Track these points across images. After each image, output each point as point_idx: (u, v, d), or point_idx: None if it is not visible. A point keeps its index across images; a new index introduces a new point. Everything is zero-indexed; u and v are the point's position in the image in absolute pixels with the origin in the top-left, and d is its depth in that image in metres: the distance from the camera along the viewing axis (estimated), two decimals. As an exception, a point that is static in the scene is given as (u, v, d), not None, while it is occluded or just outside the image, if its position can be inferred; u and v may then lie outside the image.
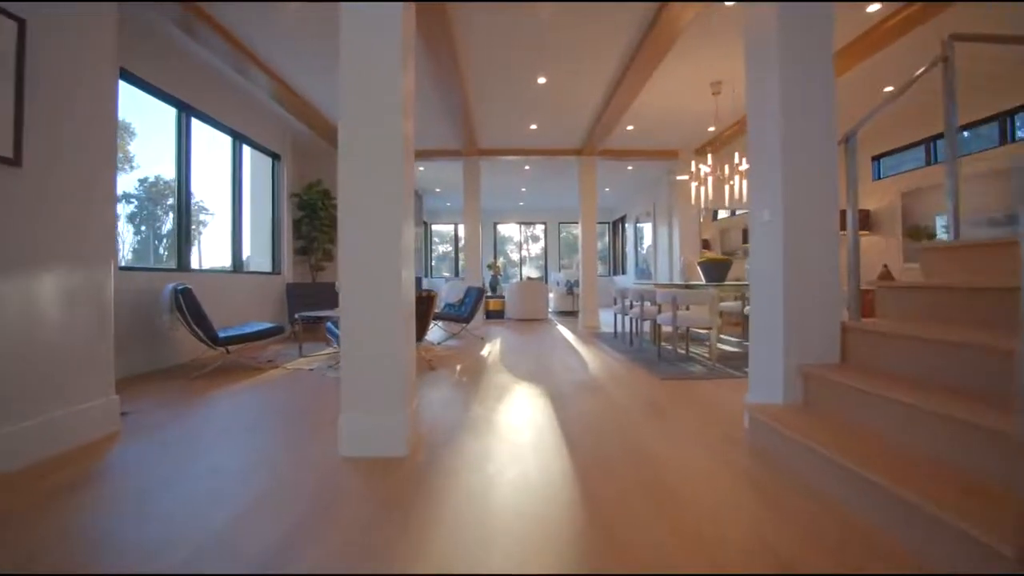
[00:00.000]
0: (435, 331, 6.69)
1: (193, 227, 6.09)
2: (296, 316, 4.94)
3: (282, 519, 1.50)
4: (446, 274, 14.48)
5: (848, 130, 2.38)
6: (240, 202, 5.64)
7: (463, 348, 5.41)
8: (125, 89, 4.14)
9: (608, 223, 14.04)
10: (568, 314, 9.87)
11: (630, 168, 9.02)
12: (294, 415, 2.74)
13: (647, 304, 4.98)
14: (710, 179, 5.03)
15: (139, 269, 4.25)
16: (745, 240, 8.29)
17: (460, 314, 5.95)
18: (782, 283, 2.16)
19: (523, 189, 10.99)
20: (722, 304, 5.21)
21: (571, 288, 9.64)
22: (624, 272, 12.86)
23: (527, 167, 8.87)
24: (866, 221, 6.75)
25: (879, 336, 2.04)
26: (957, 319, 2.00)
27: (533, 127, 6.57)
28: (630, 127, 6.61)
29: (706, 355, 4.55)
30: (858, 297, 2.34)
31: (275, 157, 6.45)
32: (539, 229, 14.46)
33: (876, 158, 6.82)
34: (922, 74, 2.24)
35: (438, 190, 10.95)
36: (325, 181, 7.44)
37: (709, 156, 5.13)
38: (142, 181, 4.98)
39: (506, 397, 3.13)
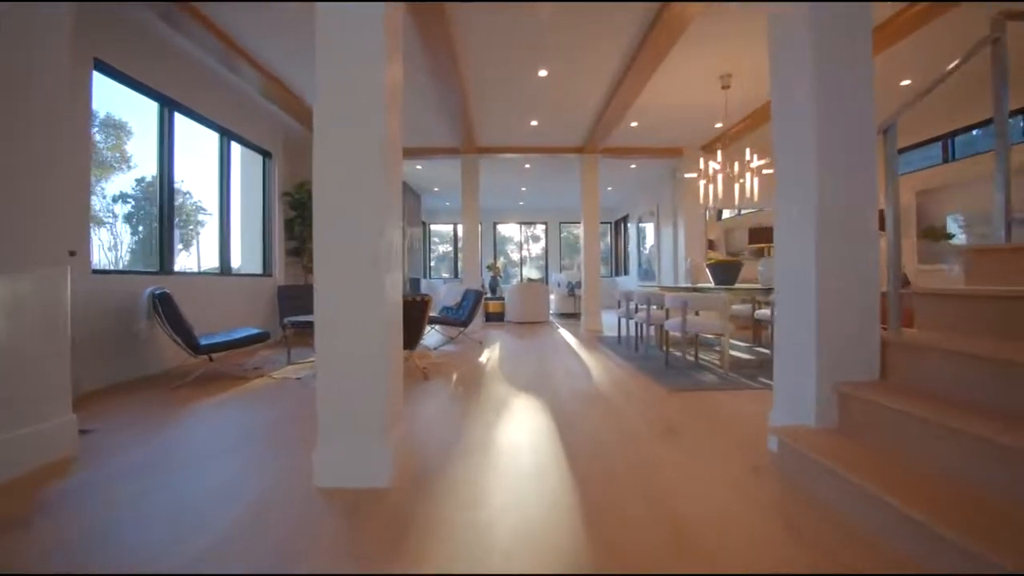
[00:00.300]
0: (432, 335, 6.46)
1: (190, 227, 5.91)
2: (285, 321, 4.71)
3: (235, 576, 1.26)
4: (445, 275, 14.25)
5: (886, 119, 2.14)
6: (228, 201, 5.41)
7: (460, 354, 5.17)
8: (118, 88, 3.92)
9: (610, 223, 13.79)
10: (569, 316, 9.64)
11: (633, 166, 8.78)
12: (272, 433, 2.50)
13: (654, 308, 4.74)
14: (720, 176, 4.78)
15: (116, 272, 4.01)
16: (752, 241, 8.05)
17: (458, 318, 5.71)
18: (815, 289, 1.92)
19: (523, 188, 10.75)
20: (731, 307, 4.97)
21: (572, 290, 9.40)
22: (626, 273, 12.62)
23: (527, 165, 8.63)
24: (879, 221, 6.49)
25: (926, 351, 1.80)
26: (1016, 332, 1.76)
27: (534, 124, 6.33)
28: (634, 123, 6.37)
29: (717, 362, 4.31)
30: (898, 305, 2.09)
31: (266, 155, 6.22)
32: (540, 229, 14.23)
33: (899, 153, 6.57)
34: (973, 52, 1.99)
35: (436, 189, 10.71)
36: (304, 176, 7.19)
37: (719, 152, 4.89)
38: (139, 181, 4.81)
39: (505, 413, 2.89)
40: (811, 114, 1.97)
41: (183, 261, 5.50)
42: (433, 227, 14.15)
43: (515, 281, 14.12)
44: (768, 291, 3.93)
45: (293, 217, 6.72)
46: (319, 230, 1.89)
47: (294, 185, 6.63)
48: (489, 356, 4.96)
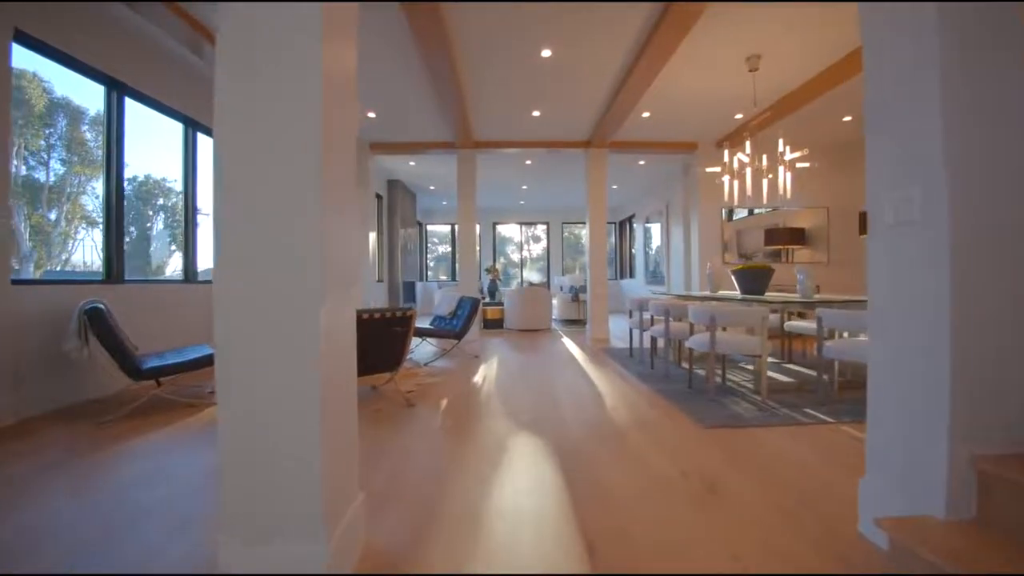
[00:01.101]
0: (425, 346, 5.88)
1: (178, 229, 5.33)
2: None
3: None
4: (443, 277, 13.68)
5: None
6: (194, 199, 4.83)
7: (453, 371, 4.59)
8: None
9: (614, 223, 13.21)
10: (573, 323, 9.05)
11: (642, 163, 8.20)
12: (196, 493, 1.92)
13: (673, 321, 4.16)
14: (748, 171, 4.20)
15: (45, 282, 3.44)
16: (768, 242, 7.43)
17: (451, 329, 5.13)
18: (948, 322, 1.34)
19: (524, 187, 10.18)
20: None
21: (576, 295, 8.82)
22: (631, 276, 12.04)
23: (528, 161, 8.06)
24: None
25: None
26: None
27: (536, 114, 5.75)
28: (646, 114, 5.79)
29: (749, 385, 3.73)
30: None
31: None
32: (540, 230, 13.64)
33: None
34: None
35: (432, 188, 10.14)
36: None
37: (747, 143, 4.30)
38: (130, 181, 4.31)
39: (501, 462, 2.30)
40: (937, 63, 1.38)
41: (176, 263, 4.94)
42: (431, 227, 13.58)
43: (515, 283, 13.55)
44: (809, 304, 3.35)
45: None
46: (224, 215, 1.31)
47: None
48: (485, 375, 4.38)
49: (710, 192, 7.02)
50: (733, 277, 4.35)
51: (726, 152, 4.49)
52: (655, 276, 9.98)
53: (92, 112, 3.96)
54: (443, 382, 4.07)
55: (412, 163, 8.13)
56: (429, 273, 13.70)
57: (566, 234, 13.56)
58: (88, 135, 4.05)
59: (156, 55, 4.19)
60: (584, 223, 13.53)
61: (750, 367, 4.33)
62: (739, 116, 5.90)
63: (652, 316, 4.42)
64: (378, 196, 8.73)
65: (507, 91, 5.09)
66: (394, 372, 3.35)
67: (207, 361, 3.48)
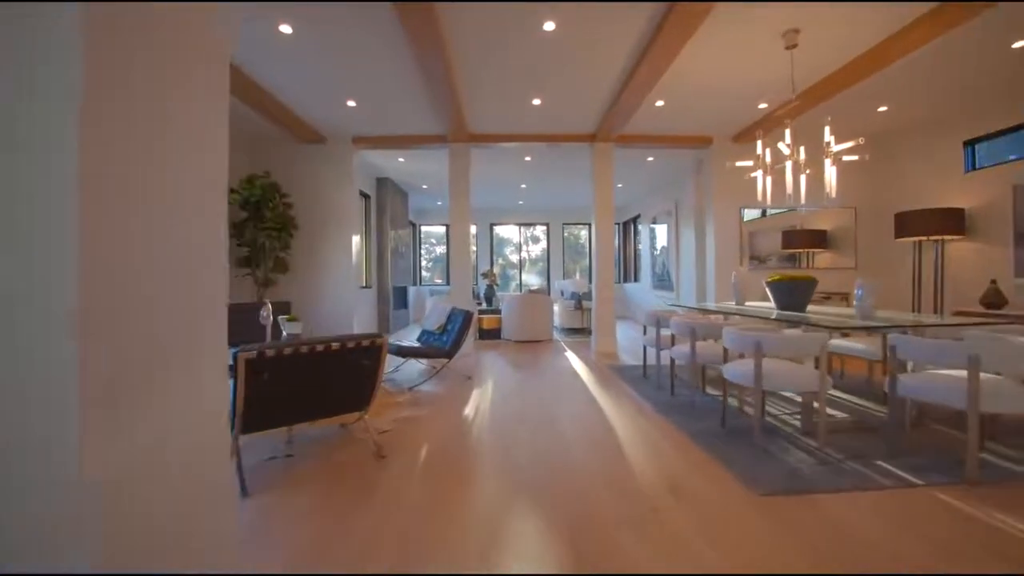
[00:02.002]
0: (411, 364, 5.23)
1: None
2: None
3: None
4: (438, 281, 13.03)
5: None
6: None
7: (441, 398, 3.95)
8: None
9: (618, 224, 12.58)
10: (576, 332, 8.42)
11: (651, 159, 7.57)
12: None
13: (696, 339, 3.52)
14: (788, 165, 3.57)
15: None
16: (786, 245, 6.79)
17: (440, 347, 4.50)
18: None
19: (523, 185, 9.54)
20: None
21: (579, 302, 8.19)
22: (636, 280, 11.41)
23: (528, 158, 7.42)
24: (958, 223, 5.29)
25: None
26: None
27: (536, 103, 5.11)
28: (660, 102, 5.16)
29: (788, 416, 3.10)
30: None
31: (202, 141, 4.98)
32: (540, 231, 13.00)
33: (970, 143, 5.38)
34: None
35: (425, 187, 9.49)
36: (275, 173, 5.98)
37: (787, 132, 3.66)
38: None
39: (491, 556, 1.67)
40: None
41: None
42: (426, 228, 12.93)
43: (513, 285, 12.91)
44: (878, 328, 2.72)
45: (244, 219, 5.50)
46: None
47: (241, 179, 5.40)
48: (478, 405, 3.74)
49: (727, 190, 6.39)
50: (768, 289, 3.72)
51: (759, 143, 3.85)
52: (662, 281, 9.36)
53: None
54: (427, 416, 3.43)
55: (401, 159, 7.48)
56: (426, 274, 13.05)
57: (566, 234, 12.92)
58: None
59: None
60: (586, 224, 12.96)
61: (788, 393, 3.70)
62: (763, 105, 5.27)
63: (674, 335, 3.78)
64: (365, 195, 8.09)
65: (504, 73, 4.45)
66: (363, 411, 2.71)
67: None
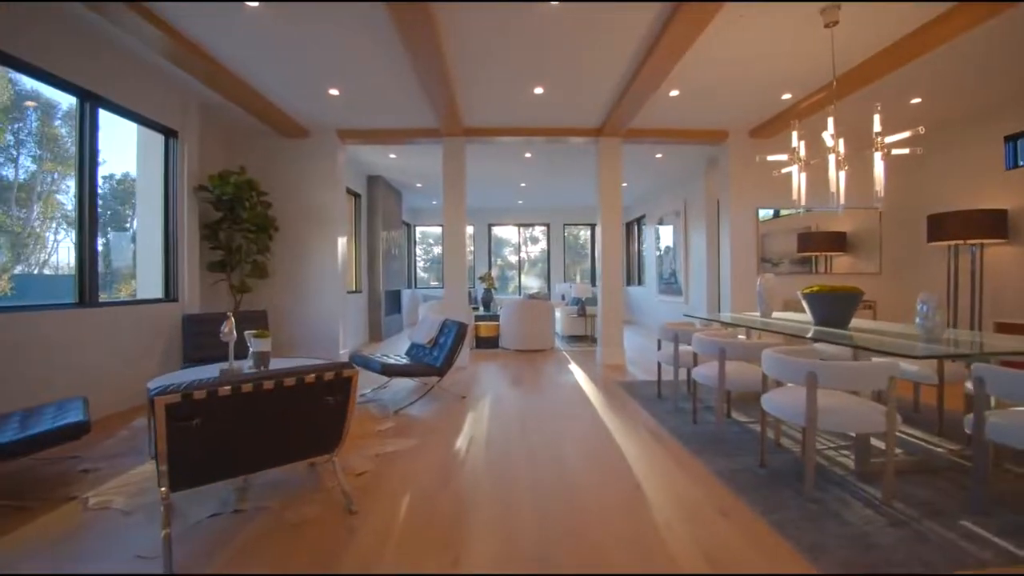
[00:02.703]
0: (400, 383, 4.75)
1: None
2: (150, 388, 2.97)
3: None
4: (435, 283, 12.55)
5: None
6: (94, 195, 3.70)
7: (430, 425, 3.48)
8: None
9: (622, 225, 12.10)
10: (579, 340, 7.94)
11: (659, 156, 7.10)
12: None
13: (726, 360, 3.04)
14: (832, 160, 3.09)
15: None
16: (802, 248, 6.31)
17: (430, 364, 4.02)
18: None
19: (523, 184, 9.06)
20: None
21: (583, 308, 7.72)
22: (640, 283, 10.94)
23: (528, 154, 6.94)
24: (999, 225, 4.83)
25: None
26: None
27: (538, 92, 4.63)
28: (674, 92, 4.69)
29: (841, 458, 2.63)
30: None
31: (168, 134, 4.50)
32: (540, 231, 12.51)
33: (1012, 138, 4.92)
34: None
35: (419, 185, 9.01)
36: (254, 169, 5.50)
37: (830, 121, 3.18)
38: (107, 178, 3.80)
39: None
40: None
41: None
42: (424, 229, 12.44)
43: (512, 286, 12.44)
44: (964, 356, 2.25)
45: (219, 219, 5.01)
46: None
47: (211, 175, 4.90)
48: (472, 436, 3.26)
49: (744, 189, 5.93)
50: (805, 302, 3.25)
51: (794, 135, 3.37)
52: (669, 285, 8.89)
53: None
54: (412, 451, 2.94)
55: (392, 156, 6.99)
56: (424, 275, 12.56)
57: (567, 236, 12.44)
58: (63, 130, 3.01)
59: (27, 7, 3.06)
60: (588, 225, 12.47)
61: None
62: (787, 96, 4.80)
63: (697, 353, 3.31)
64: (355, 194, 7.60)
65: (503, 57, 3.97)
66: (332, 453, 2.23)
67: (61, 434, 2.33)
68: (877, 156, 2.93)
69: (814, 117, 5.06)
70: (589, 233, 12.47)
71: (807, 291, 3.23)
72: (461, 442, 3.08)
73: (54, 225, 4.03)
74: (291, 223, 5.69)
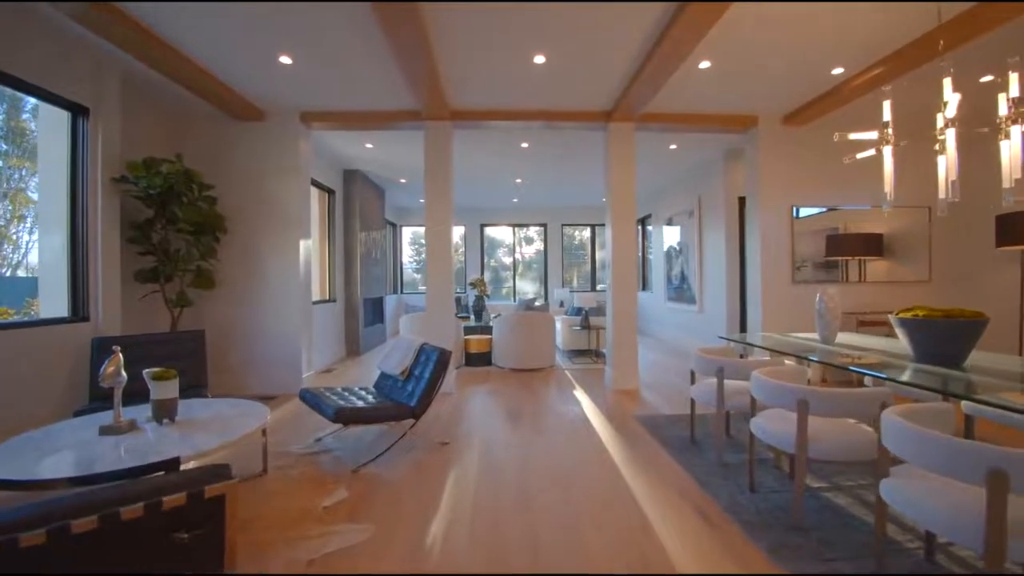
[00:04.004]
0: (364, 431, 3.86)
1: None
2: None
3: None
4: (423, 288, 11.63)
5: None
6: None
7: (397, 496, 2.61)
8: None
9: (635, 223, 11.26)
10: (581, 354, 7.10)
11: (673, 147, 6.27)
12: None
13: (807, 413, 2.19)
14: (950, 135, 2.27)
15: None
16: (831, 252, 5.44)
17: (403, 401, 3.15)
18: None
19: (518, 180, 8.19)
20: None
21: (586, 320, 6.87)
22: (645, 288, 10.12)
23: (525, 144, 6.08)
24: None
25: None
26: None
27: (539, 60, 3.77)
28: (705, 63, 3.85)
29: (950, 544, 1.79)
30: None
31: (77, 111, 3.59)
32: (535, 231, 11.65)
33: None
34: None
35: (403, 181, 8.12)
36: (199, 158, 4.60)
37: (948, 84, 2.34)
38: None
39: None
40: None
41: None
42: (414, 230, 11.53)
43: (506, 288, 11.56)
44: None
45: (152, 217, 4.11)
46: None
47: (130, 162, 3.97)
48: (454, 508, 2.40)
49: (777, 183, 5.13)
50: (901, 329, 2.41)
51: (886, 106, 2.53)
52: (680, 291, 8.07)
53: None
54: (366, 548, 2.06)
55: (369, 145, 6.10)
56: (418, 276, 11.62)
57: (566, 236, 11.58)
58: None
59: None
60: (587, 226, 11.61)
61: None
62: (839, 71, 3.98)
63: (756, 399, 2.46)
64: (328, 190, 6.71)
65: (496, 15, 3.11)
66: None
67: None
68: (1016, 131, 2.08)
69: (854, 104, 4.28)
70: (588, 234, 11.62)
71: (904, 315, 2.40)
72: (437, 527, 2.21)
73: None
74: (244, 222, 4.80)
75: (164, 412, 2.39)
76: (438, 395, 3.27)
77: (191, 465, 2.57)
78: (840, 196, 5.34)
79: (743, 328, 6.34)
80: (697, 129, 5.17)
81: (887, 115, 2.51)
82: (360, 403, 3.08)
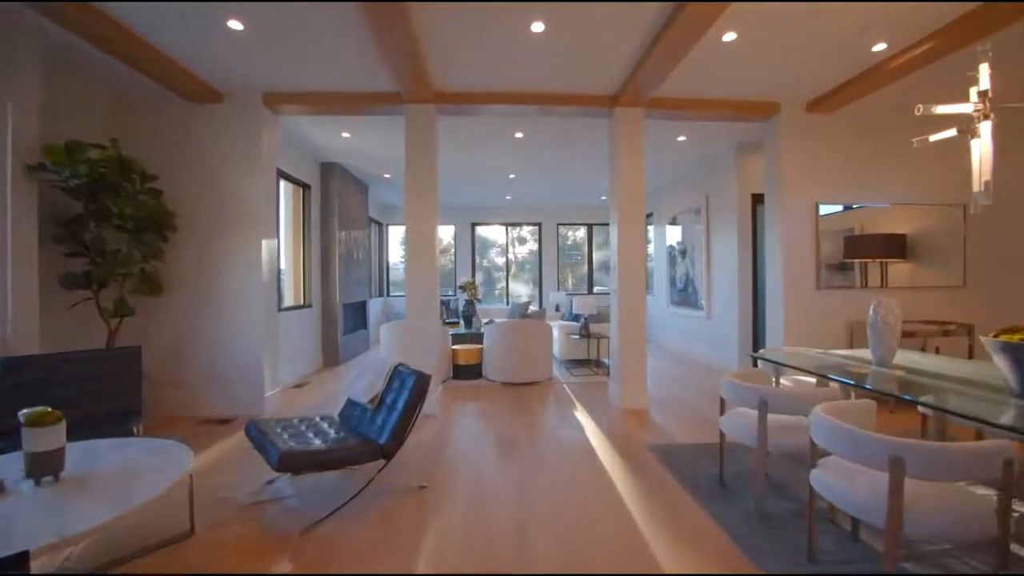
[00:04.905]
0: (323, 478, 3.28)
1: None
2: None
3: None
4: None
5: None
6: None
7: (355, 556, 2.03)
8: None
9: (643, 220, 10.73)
10: (581, 364, 6.54)
11: (681, 139, 5.74)
12: None
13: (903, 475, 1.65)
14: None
15: None
16: (849, 253, 4.91)
17: (371, 436, 2.57)
18: None
19: (511, 175, 7.62)
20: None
21: (587, 328, 6.31)
22: (648, 291, 9.58)
23: (519, 134, 5.52)
24: None
25: None
26: None
27: (537, 28, 3.20)
28: (730, 35, 3.31)
29: None
30: None
31: (-21, 82, 2.97)
32: (528, 231, 11.09)
33: None
34: None
35: (387, 175, 7.52)
36: (139, 143, 3.97)
37: (984, 69, 1.85)
38: None
39: None
40: None
41: None
42: (392, 229, 10.91)
43: (499, 288, 10.98)
44: None
45: (80, 213, 3.49)
46: None
47: (48, 145, 3.33)
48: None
49: (800, 178, 4.61)
50: (1002, 355, 1.88)
51: (983, 68, 2.01)
52: (685, 296, 7.55)
53: None
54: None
55: (346, 134, 5.50)
56: (391, 285, 11.02)
57: (562, 236, 11.02)
58: None
59: None
60: (584, 225, 11.04)
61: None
62: (880, 47, 3.46)
63: (817, 444, 1.91)
64: (302, 184, 6.10)
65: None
66: None
67: None
68: None
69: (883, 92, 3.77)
70: (585, 234, 11.08)
71: (1007, 339, 1.87)
72: (402, 628, 1.64)
73: None
74: (199, 220, 4.19)
75: (42, 468, 1.80)
76: (419, 418, 2.69)
77: (65, 554, 1.98)
78: (867, 193, 4.83)
79: (757, 337, 5.83)
80: (711, 117, 4.64)
81: (985, 83, 1.98)
82: (317, 441, 2.49)
